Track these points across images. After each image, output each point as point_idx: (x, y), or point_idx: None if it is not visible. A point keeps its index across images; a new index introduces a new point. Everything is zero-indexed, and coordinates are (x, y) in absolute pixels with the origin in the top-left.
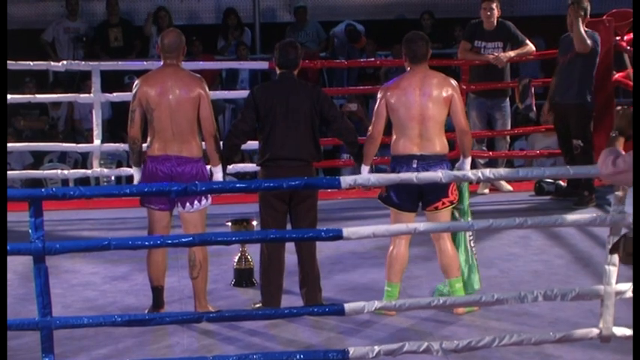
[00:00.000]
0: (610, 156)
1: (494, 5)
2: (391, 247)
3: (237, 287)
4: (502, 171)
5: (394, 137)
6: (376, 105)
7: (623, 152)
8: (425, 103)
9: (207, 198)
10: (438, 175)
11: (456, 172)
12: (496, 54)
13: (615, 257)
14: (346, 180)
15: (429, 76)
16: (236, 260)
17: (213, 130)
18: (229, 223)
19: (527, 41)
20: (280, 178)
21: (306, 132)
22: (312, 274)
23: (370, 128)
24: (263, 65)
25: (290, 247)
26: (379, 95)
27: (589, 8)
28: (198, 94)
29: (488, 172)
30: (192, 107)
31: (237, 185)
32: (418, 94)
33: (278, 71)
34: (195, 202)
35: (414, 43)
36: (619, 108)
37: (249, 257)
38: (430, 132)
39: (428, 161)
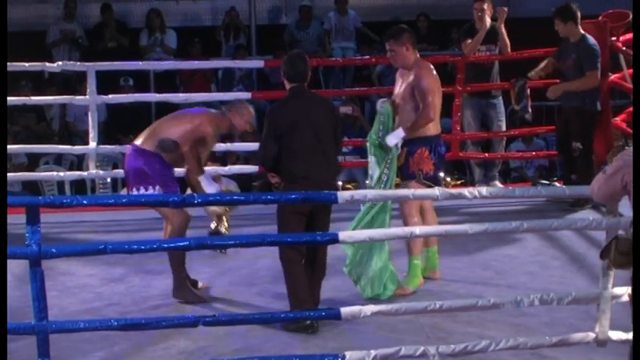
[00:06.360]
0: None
1: (485, 6)
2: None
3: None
4: (499, 191)
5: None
6: (428, 92)
7: None
8: None
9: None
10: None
11: (452, 190)
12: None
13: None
14: (343, 195)
15: None
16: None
17: None
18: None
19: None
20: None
21: (332, 147)
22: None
23: (429, 113)
24: (259, 64)
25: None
26: (430, 85)
27: (579, 14)
28: None
29: (485, 190)
30: None
31: (235, 198)
32: None
33: (288, 86)
34: None
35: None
36: (616, 146)
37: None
38: None
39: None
